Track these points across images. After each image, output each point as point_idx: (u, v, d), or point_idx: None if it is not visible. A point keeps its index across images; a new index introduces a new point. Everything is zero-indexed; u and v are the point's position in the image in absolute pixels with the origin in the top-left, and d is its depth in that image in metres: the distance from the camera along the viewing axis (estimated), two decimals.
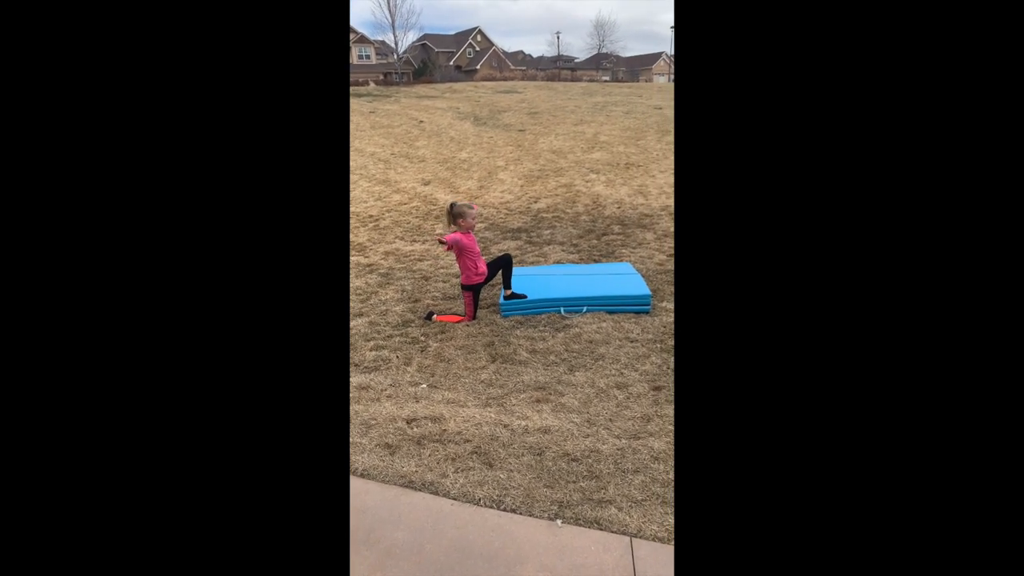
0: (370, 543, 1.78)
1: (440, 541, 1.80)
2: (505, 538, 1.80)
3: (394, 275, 4.89)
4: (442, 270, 4.94)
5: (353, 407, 2.73)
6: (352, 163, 9.65)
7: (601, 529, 1.83)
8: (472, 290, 3.79)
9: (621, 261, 4.81)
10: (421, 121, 13.47)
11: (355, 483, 2.10)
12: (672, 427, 2.43)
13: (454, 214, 3.69)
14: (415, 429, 2.48)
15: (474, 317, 3.83)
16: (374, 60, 41.44)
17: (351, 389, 2.94)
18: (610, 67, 51.36)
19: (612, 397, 2.76)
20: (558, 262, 5.05)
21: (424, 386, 2.99)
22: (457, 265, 3.85)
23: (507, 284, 3.86)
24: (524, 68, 47.15)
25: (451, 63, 44.71)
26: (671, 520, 1.85)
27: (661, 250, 5.14)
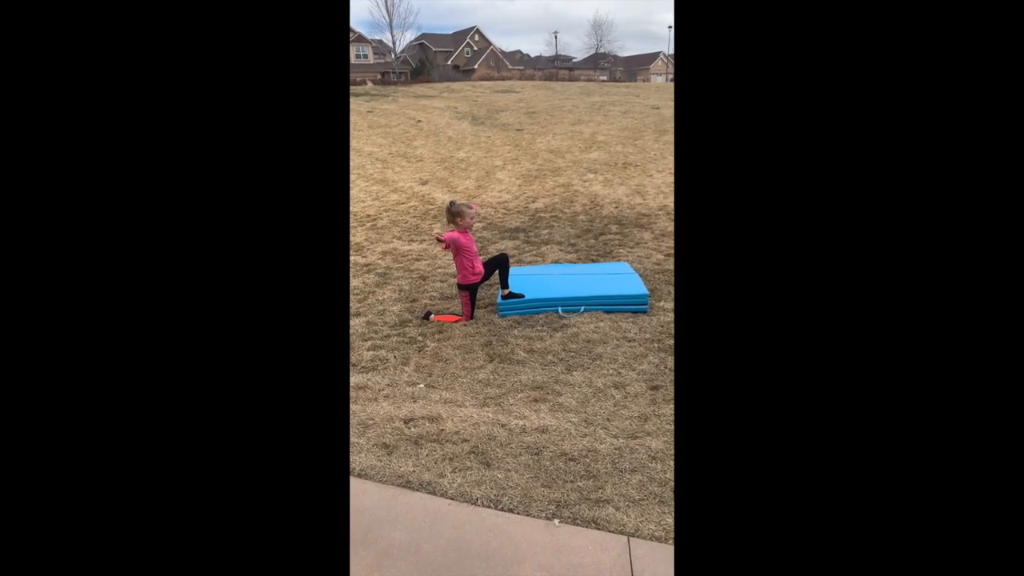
0: (367, 543, 1.78)
1: (437, 541, 1.79)
2: (502, 538, 1.80)
3: (392, 275, 4.89)
4: (440, 270, 4.94)
5: (351, 407, 2.73)
6: (350, 163, 9.61)
7: (598, 528, 1.83)
8: (469, 290, 3.79)
9: (619, 261, 4.81)
10: (419, 121, 13.46)
11: (353, 483, 2.09)
12: (669, 427, 2.44)
13: (452, 213, 3.69)
14: (412, 429, 2.48)
15: (472, 317, 3.83)
16: (371, 59, 41.39)
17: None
18: (608, 67, 51.38)
19: (610, 397, 2.76)
20: (556, 262, 5.05)
21: (422, 386, 2.99)
22: (454, 264, 3.85)
23: (504, 284, 3.86)
24: (522, 68, 47.16)
25: (449, 63, 44.69)
26: (668, 519, 1.85)
27: (659, 250, 5.14)
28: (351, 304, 4.25)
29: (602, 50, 53.20)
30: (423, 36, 47.97)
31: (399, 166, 9.57)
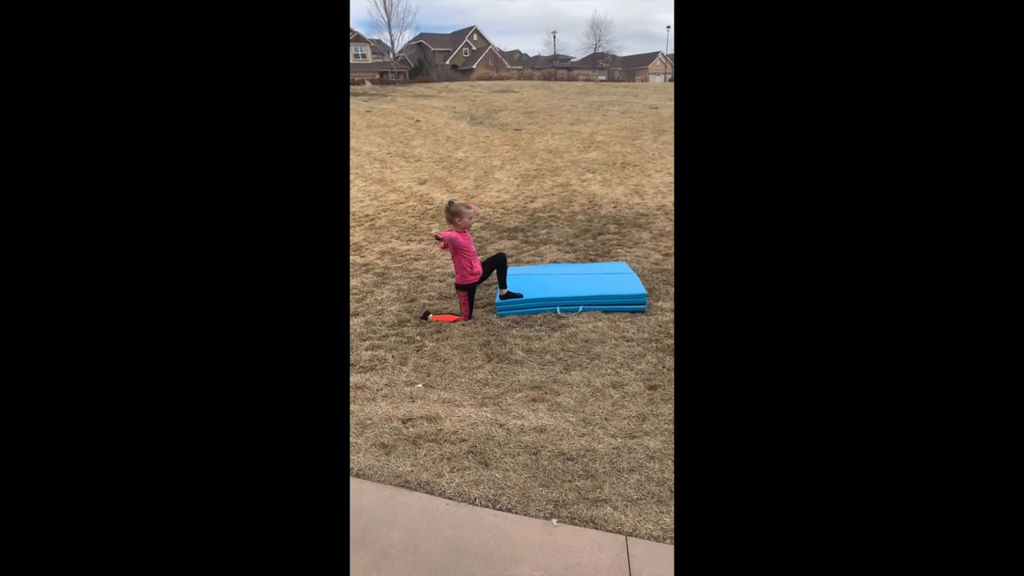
0: (365, 543, 1.78)
1: (435, 541, 1.79)
2: (501, 538, 1.80)
3: (390, 275, 4.88)
4: (438, 270, 4.94)
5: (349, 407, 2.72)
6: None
7: (596, 528, 1.83)
8: (467, 290, 3.79)
9: (617, 260, 4.81)
10: (417, 120, 13.45)
11: (351, 483, 2.09)
12: (667, 426, 2.44)
13: (451, 213, 3.69)
14: (411, 429, 2.47)
15: (470, 316, 3.83)
16: (370, 59, 41.36)
17: None
18: (606, 67, 51.40)
19: (608, 396, 2.76)
20: (554, 261, 5.05)
21: (420, 386, 2.99)
22: (452, 264, 3.85)
23: (503, 283, 3.86)
24: (520, 67, 47.16)
25: (447, 62, 44.66)
26: (666, 519, 1.85)
27: (657, 249, 5.15)
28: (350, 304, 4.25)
29: (600, 50, 53.22)
30: (421, 36, 47.94)
31: (397, 166, 9.56)
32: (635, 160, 9.15)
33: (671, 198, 6.91)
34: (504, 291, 3.84)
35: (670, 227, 5.81)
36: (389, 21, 36.00)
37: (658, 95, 17.72)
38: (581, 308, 3.78)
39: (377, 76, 35.70)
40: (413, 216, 6.86)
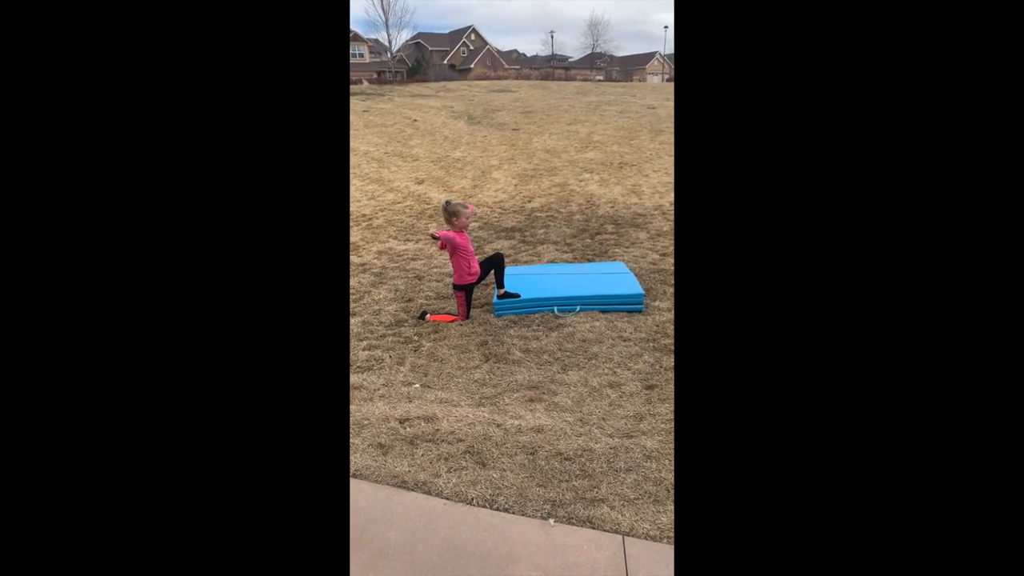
0: (363, 543, 1.78)
1: (433, 541, 1.79)
2: (498, 537, 1.80)
3: (387, 274, 4.88)
4: (435, 269, 4.94)
5: None
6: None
7: (594, 528, 1.84)
8: (464, 290, 3.79)
9: (614, 260, 4.82)
10: (415, 120, 13.44)
11: None
12: (664, 426, 2.44)
13: (449, 212, 3.69)
14: (408, 429, 2.47)
15: (467, 316, 3.83)
16: (367, 59, 41.30)
17: None
18: (604, 66, 51.44)
19: (605, 396, 2.76)
20: (552, 261, 5.05)
21: (417, 386, 2.98)
22: (450, 264, 3.85)
23: (500, 283, 3.86)
24: (518, 67, 47.15)
25: (445, 62, 44.61)
26: (663, 518, 1.85)
27: (654, 249, 5.15)
28: None
29: (598, 50, 53.26)
30: (419, 35, 47.91)
31: (395, 165, 9.55)
32: (632, 160, 9.16)
33: (668, 198, 6.92)
34: (502, 291, 3.84)
35: (667, 227, 5.81)
36: (387, 20, 36.05)
37: (656, 95, 17.74)
38: (578, 308, 3.79)
39: (374, 75, 35.66)
40: (411, 216, 6.86)
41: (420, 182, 8.48)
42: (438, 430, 2.45)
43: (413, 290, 4.45)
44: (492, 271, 3.86)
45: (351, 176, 8.93)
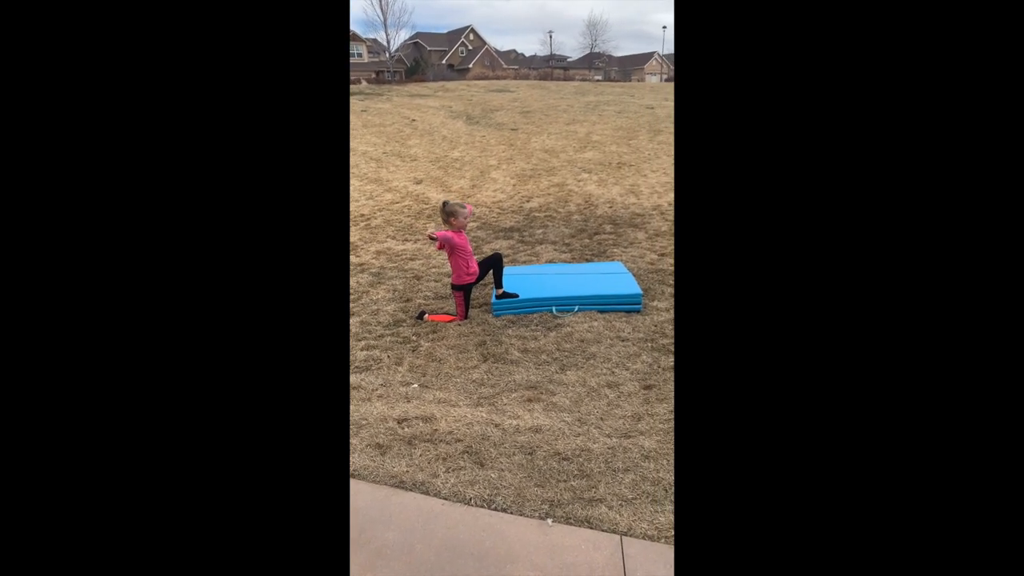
0: (361, 543, 1.78)
1: (431, 541, 1.79)
2: (496, 537, 1.80)
3: (385, 274, 4.87)
4: (434, 269, 4.93)
5: None
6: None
7: (591, 528, 1.84)
8: (463, 290, 3.78)
9: (612, 260, 4.82)
10: (413, 120, 13.43)
11: None
12: (662, 426, 2.44)
13: (446, 213, 3.69)
14: (406, 429, 2.47)
15: (466, 316, 3.83)
16: (366, 58, 41.24)
17: None
18: (602, 66, 51.45)
19: (603, 396, 2.76)
20: (550, 261, 5.05)
21: (415, 386, 2.98)
22: (449, 264, 3.85)
23: (499, 283, 3.86)
24: (517, 67, 47.15)
25: (443, 62, 44.58)
26: (661, 518, 1.85)
27: (652, 249, 5.16)
28: None
29: (597, 50, 53.28)
30: (418, 35, 47.88)
31: (393, 165, 9.54)
32: (631, 160, 9.16)
33: (667, 198, 6.93)
34: (500, 291, 3.85)
35: (666, 227, 5.82)
36: (385, 20, 36.02)
37: (654, 95, 17.75)
38: (577, 308, 3.79)
39: (373, 75, 35.63)
40: (409, 216, 6.85)
41: (418, 182, 8.47)
42: (436, 430, 2.45)
43: (411, 290, 4.45)
44: (490, 271, 3.86)
45: (350, 176, 8.91)
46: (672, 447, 2.25)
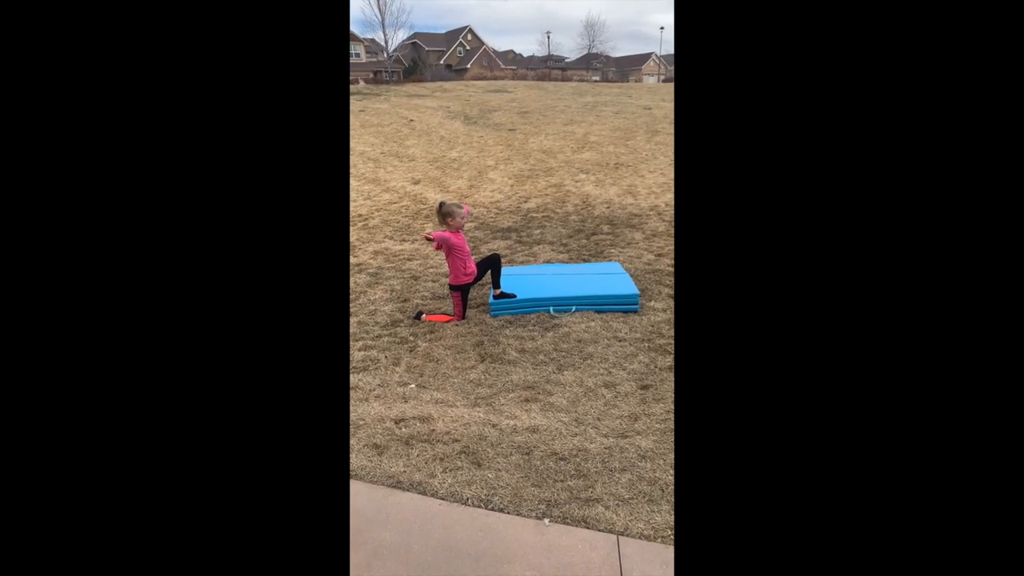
0: (358, 544, 1.78)
1: (428, 541, 1.80)
2: (493, 537, 1.81)
3: (383, 275, 4.87)
4: (431, 270, 4.93)
5: None
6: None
7: (588, 528, 1.84)
8: (460, 290, 3.79)
9: (610, 261, 4.83)
10: (411, 120, 13.42)
11: None
12: (659, 426, 2.45)
13: (443, 213, 3.69)
14: (403, 429, 2.47)
15: (463, 317, 3.83)
16: (364, 58, 41.19)
17: None
18: (600, 67, 51.50)
19: (600, 396, 2.77)
20: (547, 262, 5.06)
21: (413, 386, 2.98)
22: (446, 264, 3.85)
23: (496, 283, 3.86)
24: (514, 67, 47.15)
25: (441, 62, 44.57)
26: (657, 518, 1.86)
27: (650, 250, 5.17)
28: None
29: (594, 50, 53.30)
30: (415, 35, 47.83)
31: (391, 165, 9.54)
32: (628, 161, 9.18)
33: (664, 198, 6.94)
34: (498, 291, 3.85)
35: (663, 227, 5.83)
36: (383, 20, 35.98)
37: (652, 96, 17.78)
38: (574, 308, 3.79)
39: (371, 75, 35.59)
40: (407, 216, 6.85)
41: (416, 182, 8.47)
42: (433, 430, 2.45)
43: (409, 290, 4.45)
44: (488, 271, 3.86)
45: None
46: (669, 447, 2.26)
